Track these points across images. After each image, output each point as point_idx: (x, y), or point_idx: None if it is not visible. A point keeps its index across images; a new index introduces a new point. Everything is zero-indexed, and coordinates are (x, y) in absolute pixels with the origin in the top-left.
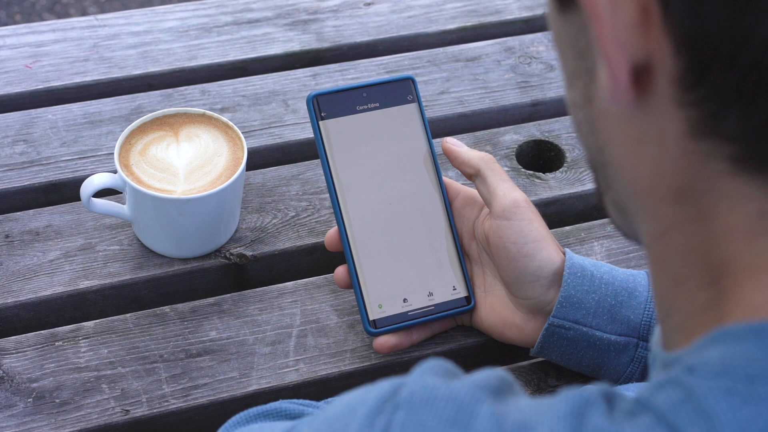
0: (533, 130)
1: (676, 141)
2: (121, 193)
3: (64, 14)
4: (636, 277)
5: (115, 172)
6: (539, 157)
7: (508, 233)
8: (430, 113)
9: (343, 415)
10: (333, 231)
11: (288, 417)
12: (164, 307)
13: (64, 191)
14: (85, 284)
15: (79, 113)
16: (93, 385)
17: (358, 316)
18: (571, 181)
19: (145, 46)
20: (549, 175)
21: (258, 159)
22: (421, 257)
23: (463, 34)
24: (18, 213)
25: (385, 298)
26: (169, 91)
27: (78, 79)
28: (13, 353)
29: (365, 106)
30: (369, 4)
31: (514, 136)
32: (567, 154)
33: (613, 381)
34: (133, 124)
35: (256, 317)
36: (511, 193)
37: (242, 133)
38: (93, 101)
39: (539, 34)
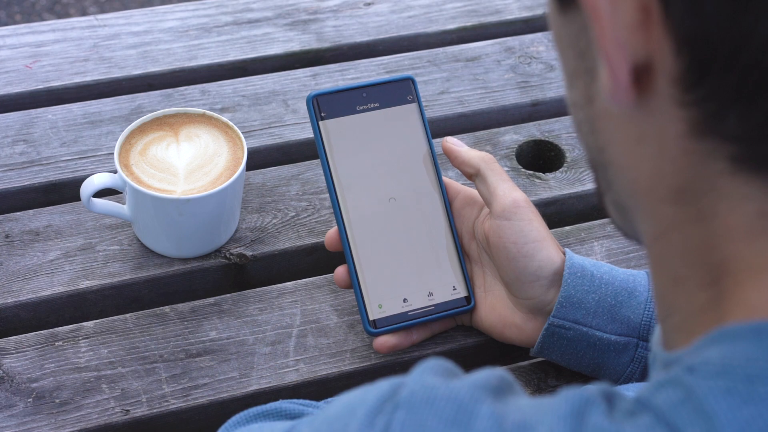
0: (533, 130)
1: (677, 141)
2: (121, 193)
3: (64, 14)
4: (636, 277)
5: (115, 172)
6: (539, 157)
7: (508, 233)
8: (430, 113)
9: (343, 415)
10: (333, 231)
11: (288, 417)
12: (164, 307)
13: (64, 191)
14: (85, 284)
15: (79, 113)
16: (93, 385)
17: (358, 316)
18: (571, 181)
19: (145, 46)
20: (549, 175)
21: (258, 159)
22: (421, 257)
23: (463, 34)
24: (18, 213)
25: (385, 298)
26: (169, 91)
27: (78, 79)
28: (13, 353)
29: (365, 106)
30: (369, 4)
31: (514, 136)
32: (567, 154)
33: (613, 381)
34: (133, 124)
35: (256, 317)
36: (511, 193)
37: (242, 133)
38: (93, 101)
39: (539, 34)
